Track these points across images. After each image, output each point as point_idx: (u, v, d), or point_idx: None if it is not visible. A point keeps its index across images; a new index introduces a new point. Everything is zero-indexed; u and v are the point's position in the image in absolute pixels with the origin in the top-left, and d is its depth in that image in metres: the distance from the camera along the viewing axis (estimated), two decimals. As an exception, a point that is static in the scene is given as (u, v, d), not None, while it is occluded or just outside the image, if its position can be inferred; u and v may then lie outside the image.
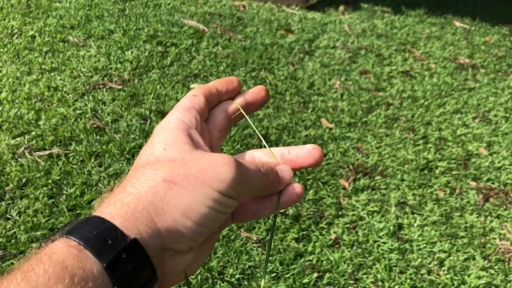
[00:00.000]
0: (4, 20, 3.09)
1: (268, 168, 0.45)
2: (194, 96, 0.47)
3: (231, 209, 0.41)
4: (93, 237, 0.34)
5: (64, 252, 0.33)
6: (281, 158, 0.49)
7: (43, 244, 0.34)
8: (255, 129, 0.49)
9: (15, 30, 2.99)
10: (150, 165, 0.40)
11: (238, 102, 0.50)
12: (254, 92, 0.51)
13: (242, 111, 0.50)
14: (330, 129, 2.53)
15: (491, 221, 2.09)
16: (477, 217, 2.10)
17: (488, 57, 3.56)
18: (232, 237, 1.83)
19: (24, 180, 1.95)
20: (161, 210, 0.38)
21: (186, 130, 0.44)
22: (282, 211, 1.98)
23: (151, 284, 0.37)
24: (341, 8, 4.14)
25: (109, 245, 0.34)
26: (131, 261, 0.35)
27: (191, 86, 0.51)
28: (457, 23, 4.13)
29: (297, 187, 0.47)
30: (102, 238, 0.34)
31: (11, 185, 1.91)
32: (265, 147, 0.51)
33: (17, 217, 1.80)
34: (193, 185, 0.38)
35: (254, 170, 0.42)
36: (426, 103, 2.87)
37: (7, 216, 1.80)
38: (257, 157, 0.50)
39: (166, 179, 0.39)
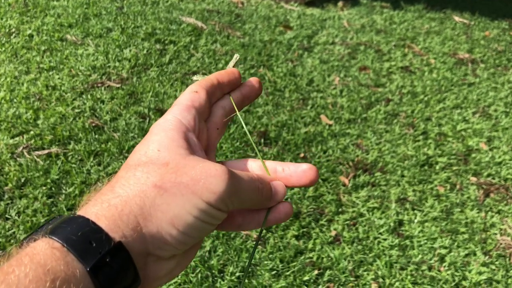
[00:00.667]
0: (2, 19, 3.08)
1: (262, 182, 0.44)
2: (195, 93, 0.46)
3: (219, 220, 0.40)
4: (77, 239, 0.33)
5: (46, 254, 0.32)
6: (274, 173, 0.47)
7: (24, 242, 0.33)
8: (248, 134, 0.47)
9: (13, 29, 2.98)
10: (142, 167, 0.39)
11: (233, 98, 0.49)
12: (249, 86, 0.50)
13: (237, 111, 0.49)
14: (330, 125, 2.53)
15: (492, 217, 2.09)
16: (478, 212, 2.10)
17: (488, 52, 3.55)
18: (232, 235, 1.83)
19: (23, 180, 1.94)
20: (149, 215, 0.37)
21: (183, 133, 0.42)
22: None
23: (134, 287, 0.36)
24: (340, 3, 4.13)
25: (93, 248, 0.33)
26: (115, 265, 0.34)
27: (194, 78, 0.50)
28: (457, 18, 4.12)
29: (286, 206, 0.46)
30: (86, 240, 0.33)
31: (10, 184, 1.91)
32: (258, 156, 0.49)
33: (16, 217, 1.79)
34: (183, 193, 0.37)
35: (248, 183, 0.41)
36: (425, 98, 2.86)
37: (6, 216, 1.79)
38: (250, 168, 0.48)
39: (156, 185, 0.38)
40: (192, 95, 0.45)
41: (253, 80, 0.50)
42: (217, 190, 0.38)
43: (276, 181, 0.46)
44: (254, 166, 0.48)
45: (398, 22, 3.91)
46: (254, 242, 1.81)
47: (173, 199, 0.37)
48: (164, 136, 0.42)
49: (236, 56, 0.52)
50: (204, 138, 0.46)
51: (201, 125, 0.46)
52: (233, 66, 0.51)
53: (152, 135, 0.42)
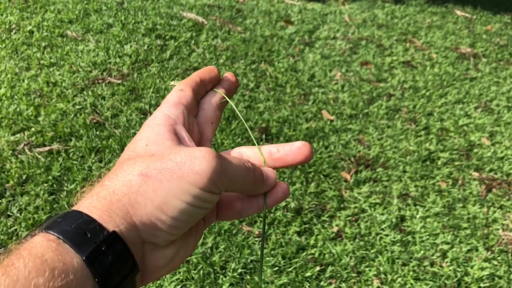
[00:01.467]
0: (2, 15, 3.07)
1: (253, 164, 0.44)
2: (181, 91, 0.46)
3: (210, 203, 0.40)
4: (72, 231, 0.34)
5: (43, 246, 0.33)
6: (269, 155, 0.48)
7: (22, 239, 0.34)
8: (244, 122, 0.49)
9: (13, 26, 2.97)
10: (129, 160, 0.40)
11: (220, 91, 0.51)
12: (227, 80, 0.52)
13: (226, 98, 0.50)
14: (331, 121, 2.52)
15: (494, 212, 2.08)
16: (480, 208, 2.09)
17: (490, 46, 3.53)
18: (234, 231, 1.82)
19: (24, 177, 1.94)
20: (136, 203, 0.37)
21: (171, 126, 0.43)
22: (282, 204, 1.97)
23: (133, 276, 0.37)
24: (341, -2, 4.11)
25: (88, 238, 0.34)
26: (111, 253, 0.34)
27: (171, 83, 0.51)
28: (458, 12, 4.10)
29: (283, 185, 0.47)
30: (81, 231, 0.34)
31: (11, 182, 1.91)
32: (253, 144, 0.50)
33: (18, 214, 1.79)
34: (168, 179, 0.37)
35: (237, 164, 0.41)
36: (427, 93, 2.85)
37: (8, 213, 1.79)
38: (245, 154, 0.49)
39: (142, 173, 0.38)
40: (178, 93, 0.46)
41: (229, 74, 0.52)
42: (203, 171, 0.38)
43: (265, 167, 0.47)
44: (249, 153, 0.49)
45: (400, 16, 3.89)
46: (259, 238, 1.81)
47: (159, 185, 0.37)
48: (151, 132, 0.43)
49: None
50: (195, 132, 0.47)
51: (190, 119, 0.46)
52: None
53: (141, 133, 0.43)
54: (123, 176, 0.38)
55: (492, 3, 4.35)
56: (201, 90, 0.49)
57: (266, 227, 1.86)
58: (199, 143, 0.48)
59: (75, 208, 0.37)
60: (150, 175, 0.38)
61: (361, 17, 3.79)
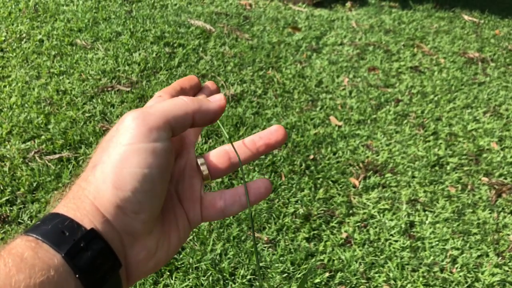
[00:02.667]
0: (13, 24, 3.11)
1: (181, 98, 0.44)
2: (160, 97, 0.46)
3: (161, 155, 0.38)
4: (50, 230, 0.34)
5: (22, 246, 0.33)
6: (253, 144, 0.49)
7: (3, 244, 0.35)
8: (220, 125, 0.49)
9: (24, 35, 3.01)
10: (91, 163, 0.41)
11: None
12: (207, 88, 0.52)
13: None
14: (339, 127, 2.52)
15: (504, 217, 2.07)
16: (490, 213, 2.08)
17: (498, 51, 3.52)
18: (243, 238, 1.83)
19: (35, 184, 1.96)
20: (96, 193, 0.37)
21: None
22: (290, 211, 1.97)
23: (115, 271, 0.37)
24: (348, 4, 4.12)
25: (66, 236, 0.34)
26: (90, 249, 0.35)
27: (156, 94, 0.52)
28: (466, 17, 4.09)
29: (264, 181, 0.48)
30: (58, 230, 0.34)
31: (22, 189, 1.93)
32: (224, 136, 0.51)
33: (28, 222, 1.81)
34: (108, 155, 0.37)
35: (166, 101, 0.41)
36: (435, 98, 2.84)
37: (19, 220, 1.81)
38: (226, 150, 0.50)
39: (92, 166, 0.38)
40: (157, 99, 0.46)
41: (209, 83, 0.53)
42: (132, 122, 0.38)
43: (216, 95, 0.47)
44: (229, 147, 0.50)
45: (407, 21, 3.89)
46: (268, 245, 1.81)
47: (105, 166, 0.37)
48: None
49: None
50: (176, 137, 0.46)
51: None
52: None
53: None
54: (82, 175, 0.39)
55: (500, 8, 4.33)
56: None
57: (275, 233, 1.86)
58: (181, 147, 0.48)
59: (52, 211, 0.37)
60: (96, 162, 0.38)
61: (368, 22, 3.80)
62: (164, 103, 0.41)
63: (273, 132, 0.49)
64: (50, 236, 0.34)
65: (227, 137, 0.51)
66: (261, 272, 1.71)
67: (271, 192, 0.48)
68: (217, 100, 0.45)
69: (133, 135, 0.37)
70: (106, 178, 0.37)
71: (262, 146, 0.49)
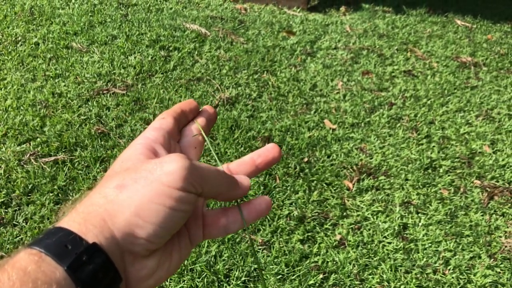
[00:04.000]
0: (8, 27, 3.12)
1: (224, 171, 0.46)
2: (163, 119, 0.50)
3: (188, 205, 0.40)
4: (53, 244, 0.35)
5: (25, 260, 0.34)
6: (253, 162, 0.52)
7: (7, 257, 0.35)
8: (210, 147, 0.52)
9: (19, 38, 3.01)
10: (106, 178, 0.42)
11: (199, 122, 0.55)
12: (206, 111, 0.56)
13: (201, 129, 0.54)
14: (333, 130, 2.54)
15: (496, 219, 2.09)
16: (482, 215, 2.10)
17: (491, 55, 3.56)
18: (238, 239, 1.84)
19: (30, 187, 1.96)
20: (113, 212, 0.38)
21: (149, 145, 0.46)
22: (285, 213, 1.98)
23: (116, 284, 0.38)
24: (342, 8, 4.15)
25: (69, 250, 0.35)
26: (92, 263, 0.36)
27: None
28: (459, 21, 4.13)
29: (265, 198, 0.50)
30: (61, 244, 0.35)
31: (17, 191, 1.93)
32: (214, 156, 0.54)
33: (23, 224, 1.81)
34: (143, 185, 0.39)
35: (207, 166, 0.43)
36: (428, 102, 2.87)
37: (14, 222, 1.82)
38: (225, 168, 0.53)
39: (118, 185, 0.40)
40: (160, 120, 0.50)
41: (207, 107, 0.56)
42: (175, 171, 0.39)
43: (238, 175, 0.49)
44: (229, 167, 0.53)
45: (400, 26, 3.92)
46: (263, 246, 1.83)
47: (135, 192, 0.39)
48: (128, 151, 0.45)
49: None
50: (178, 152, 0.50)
51: (172, 144, 0.49)
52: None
53: (120, 155, 0.46)
54: (100, 191, 0.40)
55: (492, 12, 4.38)
56: (182, 119, 0.53)
57: (269, 235, 1.88)
58: None
59: (57, 224, 0.38)
60: (126, 184, 0.39)
61: (362, 27, 3.83)
62: (211, 168, 0.43)
63: (270, 149, 0.52)
64: (53, 249, 0.35)
65: (217, 158, 0.55)
66: (257, 273, 1.73)
67: (270, 209, 0.50)
68: (245, 186, 0.48)
69: (176, 180, 0.39)
70: (131, 206, 0.38)
71: (261, 164, 0.52)
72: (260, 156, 0.52)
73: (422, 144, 2.50)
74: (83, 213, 0.38)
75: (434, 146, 2.48)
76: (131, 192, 0.39)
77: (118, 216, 0.38)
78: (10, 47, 2.91)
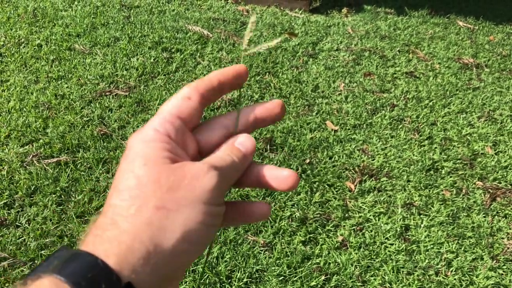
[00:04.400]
0: (11, 29, 3.13)
1: (232, 151, 0.43)
2: (188, 100, 0.42)
3: (220, 217, 0.40)
4: (86, 283, 0.31)
5: None
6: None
7: (28, 279, 0.31)
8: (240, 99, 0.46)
9: (22, 39, 3.03)
10: (135, 190, 0.37)
11: (243, 117, 0.46)
12: (267, 107, 0.46)
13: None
14: (335, 131, 2.54)
15: (499, 221, 2.09)
16: (484, 217, 2.10)
17: (493, 56, 3.56)
18: (239, 241, 1.84)
19: (32, 188, 1.97)
20: (158, 240, 0.35)
21: (166, 143, 0.39)
22: (287, 214, 1.99)
23: None
24: (344, 10, 4.15)
25: None
26: None
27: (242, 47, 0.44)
28: (461, 23, 4.13)
29: (263, 206, 0.46)
30: (95, 283, 0.32)
31: (20, 193, 1.94)
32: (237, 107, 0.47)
33: (26, 225, 1.82)
34: (185, 205, 0.36)
35: (227, 164, 0.41)
36: (430, 103, 2.87)
37: (17, 223, 1.82)
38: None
39: (158, 207, 0.36)
40: (181, 102, 0.42)
41: (276, 102, 0.46)
42: (214, 187, 0.38)
43: (240, 137, 0.44)
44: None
45: (402, 27, 3.92)
46: (265, 248, 1.83)
47: (179, 215, 0.36)
48: (145, 148, 0.39)
49: (253, 21, 0.47)
50: (192, 148, 0.43)
51: (186, 136, 0.42)
52: (251, 31, 0.47)
53: (133, 149, 0.39)
54: (140, 214, 0.35)
55: (494, 14, 4.37)
56: (214, 97, 0.44)
57: (271, 237, 1.88)
58: (194, 157, 0.44)
59: (89, 250, 0.34)
60: (168, 207, 0.36)
61: (364, 28, 3.83)
62: (231, 172, 0.41)
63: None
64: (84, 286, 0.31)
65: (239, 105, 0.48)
66: (257, 276, 1.73)
67: (269, 215, 0.47)
68: (250, 149, 0.45)
69: (215, 197, 0.38)
70: (177, 229, 0.36)
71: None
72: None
73: (424, 146, 2.50)
74: (126, 244, 0.34)
75: (436, 148, 2.48)
76: (175, 215, 0.36)
77: (163, 244, 0.35)
78: (13, 49, 2.92)
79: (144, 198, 0.36)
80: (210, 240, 0.39)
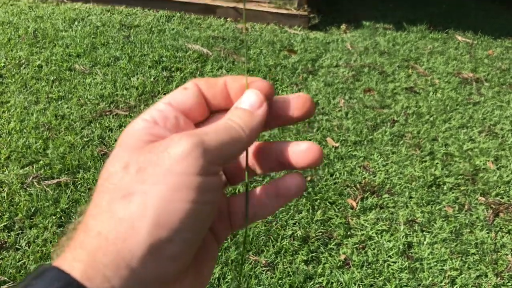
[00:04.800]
0: (12, 50, 3.15)
1: (232, 115, 0.36)
2: (184, 89, 0.37)
3: (213, 192, 0.32)
4: None
5: None
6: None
7: None
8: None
9: (23, 60, 3.04)
10: (105, 183, 0.32)
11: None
12: (287, 102, 0.39)
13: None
14: (336, 148, 2.54)
15: (502, 237, 2.07)
16: (488, 233, 2.08)
17: (492, 71, 3.56)
18: (241, 261, 1.83)
19: (33, 210, 1.96)
20: (127, 234, 0.29)
21: (149, 128, 0.35)
22: (288, 233, 1.97)
23: None
24: (343, 26, 4.18)
25: None
26: None
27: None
28: (459, 38, 4.15)
29: (294, 178, 0.39)
30: None
31: (20, 215, 1.93)
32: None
33: (26, 247, 1.80)
34: (154, 183, 0.30)
35: (216, 127, 0.34)
36: (431, 118, 2.87)
37: (17, 246, 1.81)
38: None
39: (124, 195, 0.30)
40: (176, 93, 0.37)
41: (301, 96, 0.39)
42: (185, 152, 0.31)
43: (246, 92, 0.38)
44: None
45: (401, 43, 3.94)
46: (266, 268, 1.81)
47: (146, 197, 0.30)
48: (126, 137, 0.34)
49: None
50: None
51: (185, 124, 0.37)
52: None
53: (117, 142, 0.35)
54: (105, 208, 0.31)
55: (493, 28, 4.40)
56: (221, 100, 0.38)
57: (273, 256, 1.86)
58: None
59: (56, 262, 0.30)
60: (133, 191, 0.30)
61: (363, 44, 3.85)
62: (220, 133, 0.34)
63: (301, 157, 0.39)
64: None
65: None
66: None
67: (304, 189, 0.39)
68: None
69: (190, 165, 0.31)
70: (146, 213, 0.30)
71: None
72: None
73: (425, 161, 2.49)
74: (91, 247, 0.30)
75: (437, 163, 2.48)
76: (142, 197, 0.30)
77: (134, 238, 0.29)
78: (14, 70, 2.93)
79: (113, 189, 0.31)
80: (204, 223, 0.32)
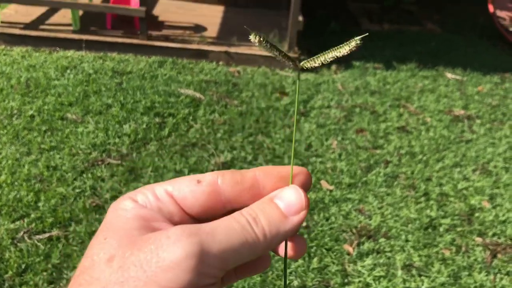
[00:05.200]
0: (4, 101, 3.16)
1: (258, 216, 0.31)
2: (194, 182, 0.33)
3: None
4: None
5: None
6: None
7: None
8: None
9: (15, 111, 3.05)
10: (85, 276, 0.29)
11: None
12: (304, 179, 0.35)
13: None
14: (331, 191, 2.52)
15: (501, 279, 2.04)
16: (486, 275, 2.05)
17: (483, 107, 3.60)
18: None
19: (23, 266, 1.92)
20: None
21: (141, 211, 0.32)
22: (282, 265, 1.93)
23: None
24: (334, 67, 4.23)
25: None
26: None
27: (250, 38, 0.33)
28: (449, 75, 4.20)
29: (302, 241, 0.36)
30: None
31: (10, 272, 1.89)
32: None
33: (16, 307, 1.76)
34: None
35: (227, 228, 0.30)
36: (424, 158, 2.87)
37: (6, 306, 1.76)
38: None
39: None
40: (184, 183, 0.33)
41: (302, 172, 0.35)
42: (177, 260, 0.27)
43: (284, 191, 0.33)
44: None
45: (392, 82, 3.99)
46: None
47: None
48: (114, 218, 0.31)
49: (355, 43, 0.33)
50: None
51: (181, 217, 0.33)
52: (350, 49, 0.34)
53: (104, 220, 0.32)
54: None
55: (481, 64, 4.46)
56: (242, 197, 0.33)
57: (270, 308, 1.82)
58: None
59: None
60: None
61: (354, 84, 3.89)
62: (230, 235, 0.29)
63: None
64: None
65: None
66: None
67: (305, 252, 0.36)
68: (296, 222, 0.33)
69: (178, 277, 0.27)
70: None
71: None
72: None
73: (420, 203, 2.47)
74: None
75: (432, 204, 2.46)
76: None
77: None
78: (6, 121, 2.93)
79: (91, 284, 0.28)
80: None
